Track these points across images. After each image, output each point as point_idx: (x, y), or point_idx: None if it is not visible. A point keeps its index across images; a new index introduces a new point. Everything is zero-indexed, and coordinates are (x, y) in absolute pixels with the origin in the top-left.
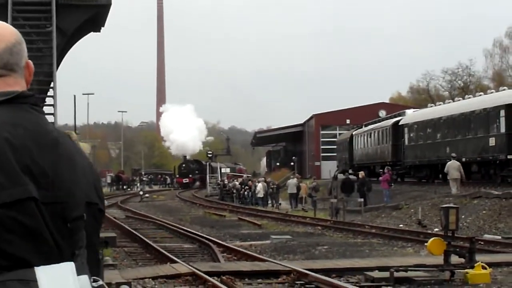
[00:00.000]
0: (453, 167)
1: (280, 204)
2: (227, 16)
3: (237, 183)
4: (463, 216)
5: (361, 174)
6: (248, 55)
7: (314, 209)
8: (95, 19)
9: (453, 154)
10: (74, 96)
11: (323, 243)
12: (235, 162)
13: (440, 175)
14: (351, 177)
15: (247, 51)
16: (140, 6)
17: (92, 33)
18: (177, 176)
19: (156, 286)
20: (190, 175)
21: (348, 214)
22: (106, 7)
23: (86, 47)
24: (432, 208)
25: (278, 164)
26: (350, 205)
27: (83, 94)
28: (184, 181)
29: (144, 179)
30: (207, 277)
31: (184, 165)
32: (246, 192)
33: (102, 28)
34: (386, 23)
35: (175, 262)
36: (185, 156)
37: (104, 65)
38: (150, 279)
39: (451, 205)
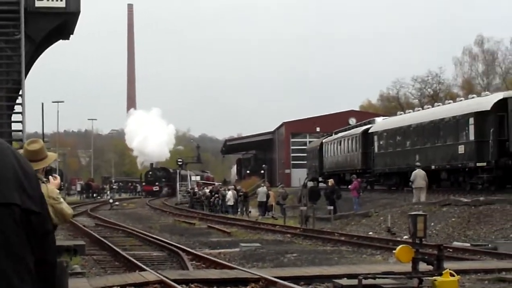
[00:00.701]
0: (419, 176)
1: (250, 212)
2: (197, 24)
3: (207, 191)
4: (432, 224)
5: (331, 181)
6: (219, 62)
7: (284, 217)
8: (64, 26)
9: (418, 163)
10: (42, 104)
11: (292, 250)
12: (203, 170)
13: (410, 183)
14: (318, 185)
15: (217, 59)
16: (110, 14)
17: (61, 40)
18: (144, 184)
19: None
20: (157, 183)
21: (317, 221)
22: (75, 15)
23: (56, 55)
24: (402, 216)
25: (248, 172)
26: (320, 213)
27: (53, 102)
28: (151, 189)
29: (114, 187)
30: (175, 285)
31: (150, 173)
32: (216, 200)
33: (71, 35)
34: (356, 31)
35: (144, 270)
36: (152, 164)
37: (74, 72)
38: (119, 287)
39: (420, 212)
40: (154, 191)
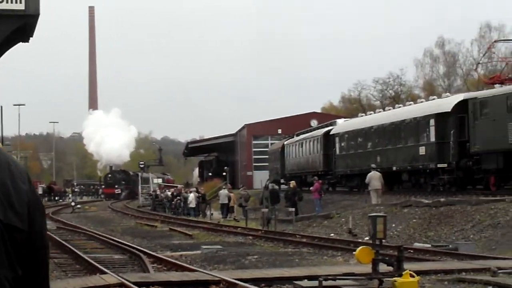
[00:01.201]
0: (375, 178)
1: (212, 214)
2: (159, 26)
3: (169, 193)
4: (393, 225)
5: (292, 183)
6: (180, 64)
7: (246, 219)
8: (23, 29)
9: (373, 165)
10: (1, 107)
11: (253, 253)
12: (163, 172)
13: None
14: (280, 187)
15: (178, 61)
16: (71, 16)
17: (21, 43)
18: (103, 186)
19: None
20: (116, 186)
21: (279, 223)
22: (34, 17)
23: (16, 57)
24: (363, 217)
25: (210, 174)
26: (281, 215)
27: (14, 105)
28: (110, 192)
29: (76, 190)
30: (135, 287)
31: (110, 176)
32: (178, 203)
33: (31, 38)
34: (317, 33)
35: (105, 273)
36: (111, 166)
37: (35, 75)
38: None
39: (379, 214)
40: (114, 194)
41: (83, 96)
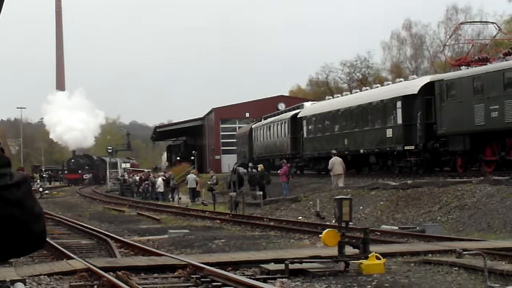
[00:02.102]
0: (337, 163)
1: (180, 198)
2: (125, 9)
3: (137, 178)
4: (361, 207)
5: (260, 167)
6: (148, 48)
7: (214, 203)
8: None
9: (334, 151)
10: None
11: (221, 236)
12: (128, 157)
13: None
14: (250, 170)
15: (147, 45)
16: (37, 1)
17: None
18: (66, 172)
19: (51, 283)
20: (80, 171)
21: (247, 207)
22: None
23: None
24: (331, 200)
25: (178, 158)
26: (249, 199)
27: None
28: (73, 177)
29: (44, 175)
30: (102, 272)
31: (73, 161)
32: (146, 187)
33: None
34: (285, 16)
35: (71, 258)
36: (74, 151)
37: (2, 59)
38: (46, 276)
39: (345, 196)
40: (77, 179)
41: (51, 82)
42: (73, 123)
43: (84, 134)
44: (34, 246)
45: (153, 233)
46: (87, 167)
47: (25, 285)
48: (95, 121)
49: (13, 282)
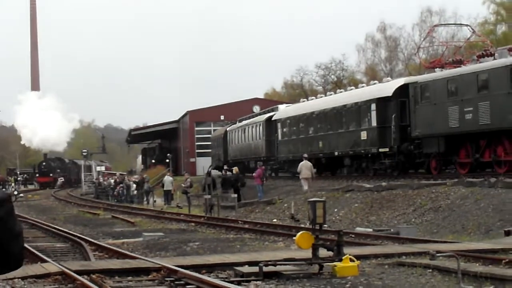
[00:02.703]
0: (306, 167)
1: (155, 201)
2: (100, 8)
3: (112, 181)
4: (335, 210)
5: (235, 169)
6: (122, 50)
7: (189, 206)
8: None
9: (305, 155)
10: None
11: (195, 239)
12: (101, 160)
13: (315, 170)
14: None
15: (121, 47)
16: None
17: None
18: (37, 175)
19: (25, 286)
20: (51, 174)
21: (222, 210)
22: None
23: None
24: (305, 203)
25: (153, 161)
26: (224, 201)
27: None
28: (45, 181)
29: (19, 179)
30: (76, 275)
31: (44, 164)
32: (121, 190)
33: None
34: (261, 18)
35: (46, 261)
36: (46, 154)
37: None
38: (20, 279)
39: (318, 199)
40: (49, 183)
41: (26, 84)
42: (44, 125)
43: (55, 136)
44: (12, 266)
45: (128, 236)
46: (58, 170)
47: None
48: (68, 125)
49: None
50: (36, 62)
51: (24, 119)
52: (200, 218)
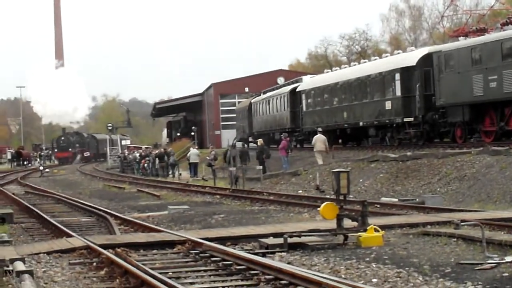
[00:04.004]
0: (319, 140)
1: (180, 174)
2: None
3: (137, 154)
4: (361, 180)
5: (260, 141)
6: (145, 23)
7: (214, 178)
8: None
9: (319, 129)
10: None
11: (220, 212)
12: (122, 133)
13: (340, 140)
14: (247, 145)
15: (144, 20)
16: None
17: None
18: (56, 150)
19: (50, 261)
20: (70, 149)
21: (247, 182)
22: None
23: None
24: (330, 173)
25: (178, 134)
26: (250, 173)
27: None
28: (64, 156)
29: (42, 154)
30: (101, 249)
31: (63, 138)
32: (146, 164)
33: None
34: None
35: (71, 236)
36: (64, 129)
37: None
38: (45, 254)
39: (342, 169)
40: (67, 158)
41: (50, 60)
42: (58, 97)
43: (72, 108)
44: None
45: (153, 210)
46: (77, 145)
47: (24, 263)
48: (87, 97)
49: (12, 260)
50: (60, 39)
51: (37, 92)
52: (225, 190)
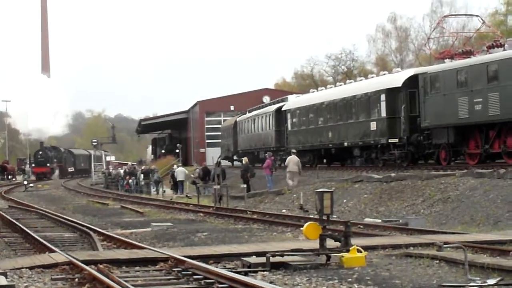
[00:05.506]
0: (293, 161)
1: (164, 191)
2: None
3: (121, 171)
4: (344, 200)
5: (245, 160)
6: (131, 39)
7: (198, 196)
8: None
9: (293, 150)
10: None
11: (204, 229)
12: (104, 150)
13: (324, 160)
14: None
15: (131, 36)
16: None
17: None
18: (33, 165)
19: (33, 276)
20: (48, 164)
21: (231, 200)
22: None
23: None
24: (314, 193)
25: (163, 151)
26: (234, 192)
27: None
28: (41, 171)
29: (27, 169)
30: (83, 265)
31: (41, 153)
32: (130, 180)
33: None
34: (270, 9)
35: (53, 251)
36: (42, 142)
37: None
38: (27, 269)
39: (326, 189)
40: (45, 173)
41: (31, 72)
42: (41, 108)
43: (53, 121)
44: None
45: (136, 226)
46: (55, 160)
47: (6, 278)
48: (66, 108)
49: None
50: (47, 48)
51: (15, 107)
52: (209, 208)
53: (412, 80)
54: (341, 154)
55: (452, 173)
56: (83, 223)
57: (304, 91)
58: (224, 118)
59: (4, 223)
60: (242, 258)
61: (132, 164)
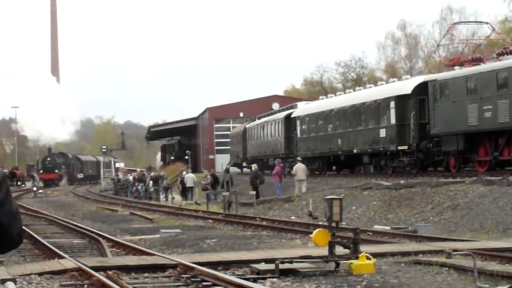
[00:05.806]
0: (300, 169)
1: (173, 198)
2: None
3: (130, 177)
4: (354, 207)
5: (254, 166)
6: (142, 45)
7: (207, 203)
8: None
9: (299, 158)
10: None
11: (213, 236)
12: (113, 156)
13: (334, 167)
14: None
15: (141, 43)
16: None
17: None
18: (41, 171)
19: (42, 282)
20: (56, 170)
21: (240, 207)
22: None
23: None
24: (323, 200)
25: (172, 158)
26: (243, 198)
27: None
28: (49, 177)
29: (36, 175)
30: (92, 272)
31: (49, 159)
32: (139, 187)
33: None
34: (280, 15)
35: (63, 257)
36: (50, 148)
37: None
38: (36, 275)
39: (335, 196)
40: (53, 179)
41: (40, 78)
42: (48, 114)
43: (60, 126)
44: (11, 246)
45: (145, 233)
46: (63, 166)
47: (15, 284)
48: (74, 113)
49: (3, 281)
50: (56, 52)
51: (23, 113)
52: (218, 215)
53: (422, 87)
54: (350, 161)
55: (461, 181)
56: (92, 229)
57: (314, 98)
58: (233, 125)
59: None
60: (251, 265)
61: (141, 171)
